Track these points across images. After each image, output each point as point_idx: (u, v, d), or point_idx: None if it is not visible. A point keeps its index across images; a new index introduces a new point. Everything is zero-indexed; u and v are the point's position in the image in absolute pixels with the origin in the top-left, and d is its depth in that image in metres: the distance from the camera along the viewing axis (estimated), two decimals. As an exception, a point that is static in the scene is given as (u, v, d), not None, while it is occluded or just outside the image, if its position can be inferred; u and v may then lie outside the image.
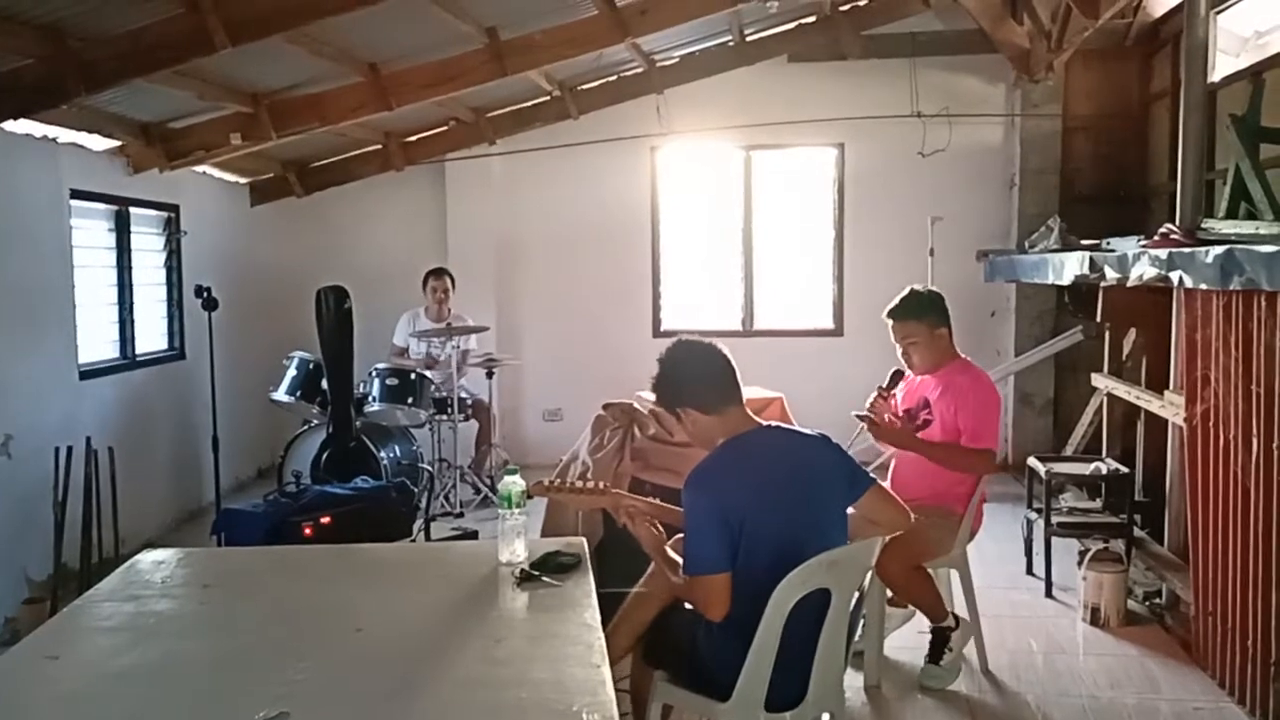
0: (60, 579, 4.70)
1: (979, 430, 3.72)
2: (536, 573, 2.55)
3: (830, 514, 2.67)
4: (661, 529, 2.85)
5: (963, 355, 3.92)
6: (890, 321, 3.89)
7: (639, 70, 7.11)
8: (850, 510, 2.73)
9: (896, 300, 3.90)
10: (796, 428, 2.79)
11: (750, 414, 2.74)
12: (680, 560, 2.71)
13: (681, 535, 2.91)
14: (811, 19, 7.06)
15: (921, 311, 3.84)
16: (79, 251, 5.34)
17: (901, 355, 3.91)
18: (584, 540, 2.89)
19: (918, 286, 3.94)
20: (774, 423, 2.80)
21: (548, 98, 7.16)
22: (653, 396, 4.30)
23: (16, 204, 4.81)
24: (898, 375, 3.94)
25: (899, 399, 4.00)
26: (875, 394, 3.88)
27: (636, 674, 2.91)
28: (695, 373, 2.73)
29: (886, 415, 3.90)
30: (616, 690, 1.95)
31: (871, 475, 2.79)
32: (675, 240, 7.87)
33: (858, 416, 3.80)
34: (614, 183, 7.66)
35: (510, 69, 5.53)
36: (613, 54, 6.22)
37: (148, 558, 2.84)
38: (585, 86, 7.24)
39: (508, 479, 2.66)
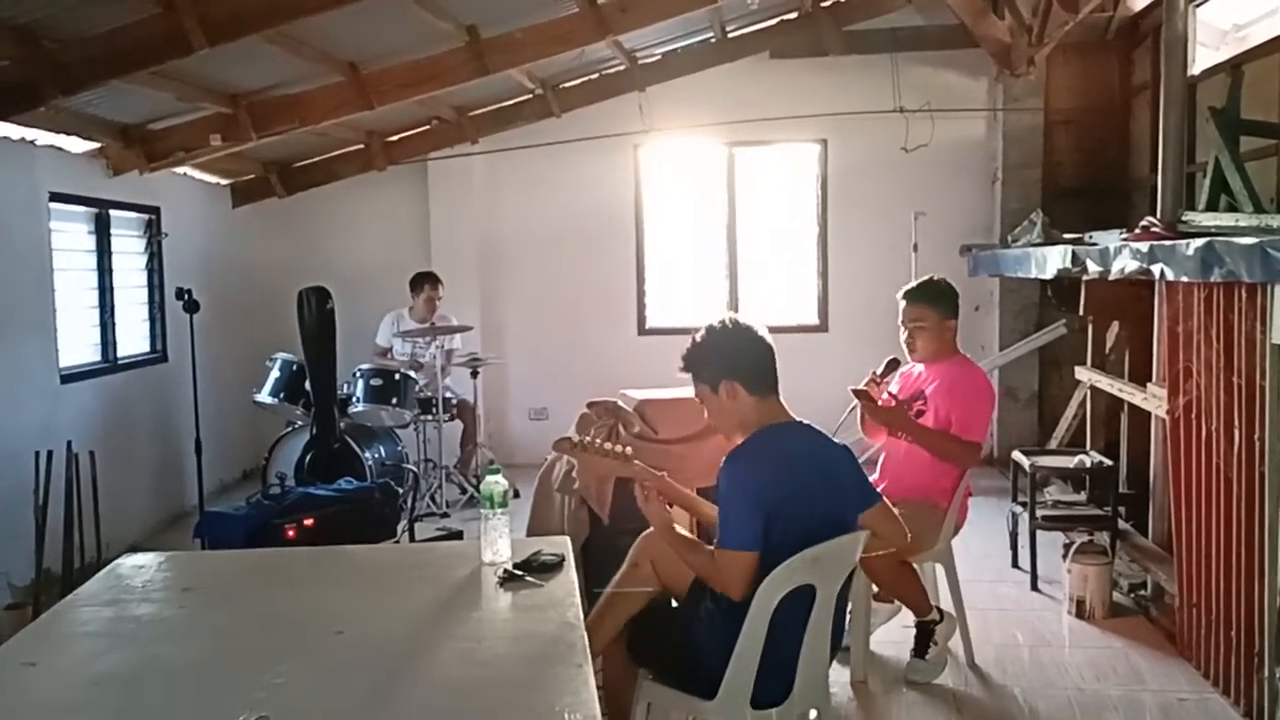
0: (43, 584, 4.66)
1: (970, 423, 3.74)
2: (520, 573, 2.54)
3: (845, 517, 2.68)
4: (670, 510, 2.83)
5: (963, 352, 3.95)
6: (903, 302, 3.93)
7: (621, 68, 7.09)
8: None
9: (915, 283, 3.96)
10: (823, 431, 2.78)
11: (786, 408, 2.73)
12: (691, 537, 2.73)
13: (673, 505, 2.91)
14: (793, 15, 7.07)
15: (937, 299, 3.88)
16: (59, 254, 5.31)
17: (905, 340, 3.94)
18: (568, 540, 2.88)
19: (938, 276, 3.98)
20: (806, 421, 2.77)
21: (530, 96, 7.15)
22: (638, 394, 4.35)
23: (-6, 207, 4.78)
24: (893, 364, 3.95)
25: (895, 389, 4.00)
26: (869, 378, 3.90)
27: (615, 672, 2.89)
28: (747, 350, 2.72)
29: (882, 399, 3.92)
30: (598, 689, 1.94)
31: (879, 492, 2.82)
32: (659, 238, 7.87)
33: (854, 391, 3.82)
34: (597, 181, 7.65)
35: (491, 67, 5.51)
36: (594, 52, 6.21)
37: (128, 562, 2.81)
38: (567, 85, 7.23)
39: (490, 478, 2.64)
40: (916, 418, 3.84)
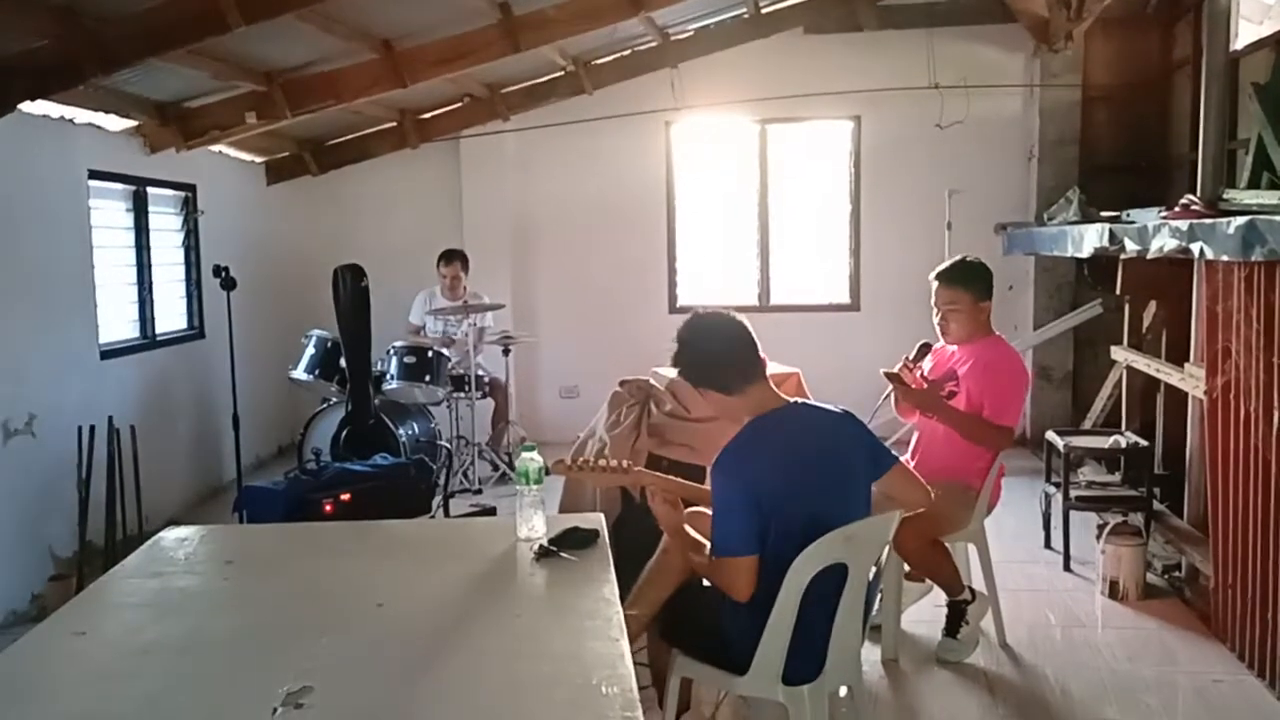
0: (85, 556, 4.76)
1: (1002, 407, 3.71)
2: (555, 548, 2.57)
3: (855, 491, 2.68)
4: (682, 507, 2.85)
5: (997, 332, 3.91)
6: (936, 284, 3.88)
7: (653, 44, 7.06)
8: (872, 487, 2.74)
9: (948, 264, 3.91)
10: (821, 404, 2.78)
11: (774, 389, 2.71)
12: (700, 539, 2.73)
13: (698, 509, 2.93)
14: (827, -10, 7.01)
15: (971, 281, 3.83)
16: (98, 232, 5.37)
17: (939, 321, 3.89)
18: (602, 516, 2.91)
19: (970, 256, 3.93)
20: (799, 399, 2.79)
21: (562, 73, 7.14)
22: (669, 372, 4.37)
23: (35, 185, 4.83)
24: (925, 348, 3.92)
25: (928, 368, 3.98)
26: (901, 363, 3.87)
27: (655, 650, 2.93)
28: (715, 352, 2.68)
29: (915, 383, 3.90)
30: (635, 665, 1.96)
31: (894, 454, 2.80)
32: (691, 215, 7.85)
33: (886, 375, 3.80)
34: (629, 158, 7.64)
35: (524, 44, 5.51)
36: (627, 28, 6.19)
37: (171, 535, 2.87)
38: (599, 61, 7.21)
39: (525, 455, 2.67)
40: (949, 398, 3.83)
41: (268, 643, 2.12)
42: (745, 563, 2.52)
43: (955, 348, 3.91)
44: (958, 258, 3.95)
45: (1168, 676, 3.65)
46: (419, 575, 2.52)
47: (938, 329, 3.92)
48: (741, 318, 2.74)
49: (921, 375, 3.94)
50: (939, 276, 3.88)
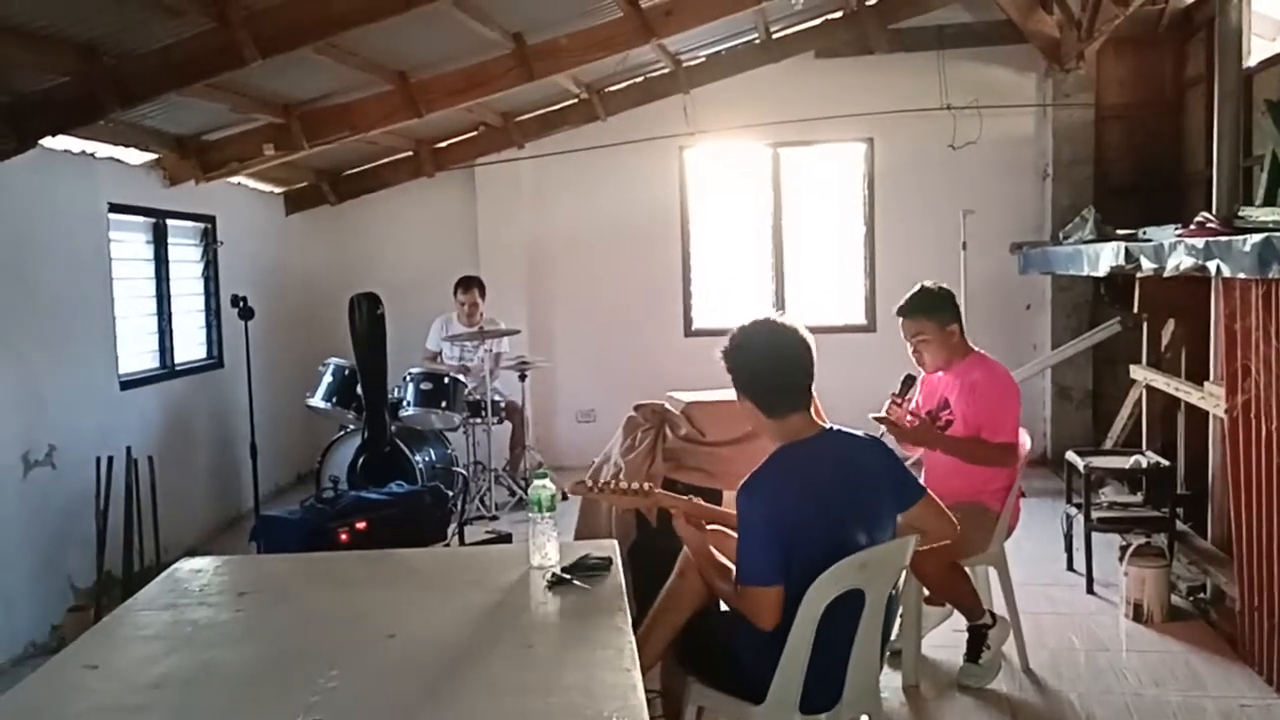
0: (104, 587, 4.78)
1: (998, 424, 3.67)
2: (567, 576, 2.56)
3: (880, 522, 2.63)
4: (705, 528, 2.83)
5: (977, 349, 3.86)
6: (900, 319, 3.85)
7: (666, 71, 7.10)
8: (898, 518, 2.69)
9: (906, 297, 3.86)
10: (852, 431, 2.72)
11: (813, 418, 2.66)
12: (726, 563, 2.69)
13: (718, 527, 2.90)
14: (837, 14, 7.03)
15: (932, 309, 3.79)
16: (118, 264, 5.43)
17: (912, 353, 3.87)
18: (615, 543, 2.89)
19: (928, 283, 3.88)
20: (833, 426, 2.72)
21: (575, 100, 7.19)
22: (685, 396, 4.36)
23: (57, 218, 4.89)
24: (909, 381, 3.85)
25: (917, 403, 3.94)
26: (888, 402, 3.79)
27: (669, 678, 2.91)
28: (767, 370, 2.63)
29: (906, 420, 3.85)
30: (649, 694, 1.95)
31: (922, 485, 2.76)
32: (705, 239, 7.87)
33: (876, 419, 3.73)
34: (643, 183, 7.67)
35: (537, 73, 5.56)
36: (639, 55, 6.23)
37: (186, 566, 2.87)
38: (612, 88, 7.25)
39: (537, 482, 2.66)
40: (946, 426, 3.78)
41: (278, 675, 2.11)
42: (772, 593, 2.49)
43: (942, 373, 3.87)
44: (915, 287, 3.87)
45: (1194, 701, 3.60)
46: (430, 605, 2.51)
47: (914, 360, 3.89)
48: (809, 339, 2.65)
49: (915, 408, 3.90)
50: (900, 311, 3.85)
